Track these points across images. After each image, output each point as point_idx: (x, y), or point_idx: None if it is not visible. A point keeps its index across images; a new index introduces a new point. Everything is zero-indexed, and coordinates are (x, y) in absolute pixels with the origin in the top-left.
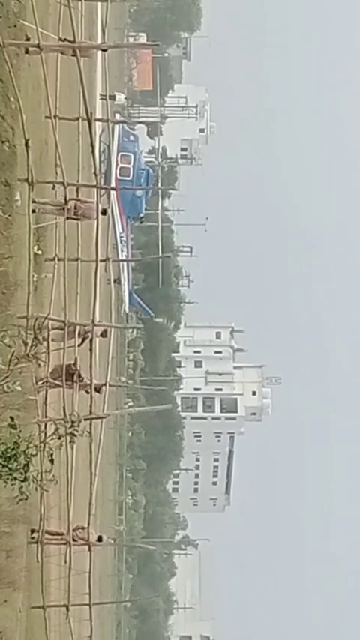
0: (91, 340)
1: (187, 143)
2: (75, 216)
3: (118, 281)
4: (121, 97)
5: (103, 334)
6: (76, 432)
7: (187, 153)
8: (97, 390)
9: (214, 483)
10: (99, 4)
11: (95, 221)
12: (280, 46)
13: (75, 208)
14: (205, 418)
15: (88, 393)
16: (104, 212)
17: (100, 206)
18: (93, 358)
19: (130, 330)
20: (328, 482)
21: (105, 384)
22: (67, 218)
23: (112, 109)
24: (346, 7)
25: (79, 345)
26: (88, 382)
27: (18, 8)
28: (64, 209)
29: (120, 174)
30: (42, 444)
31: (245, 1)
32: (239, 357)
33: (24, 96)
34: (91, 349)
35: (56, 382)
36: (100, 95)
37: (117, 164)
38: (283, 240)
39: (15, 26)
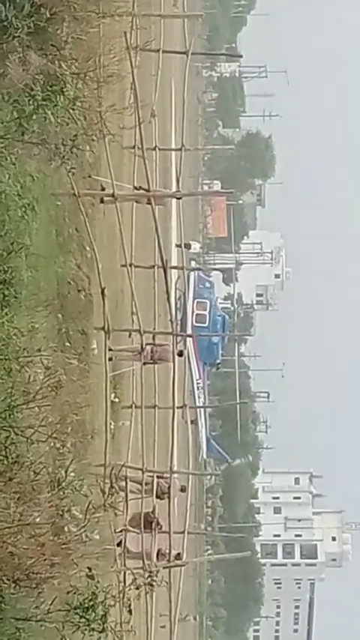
0: (169, 489)
1: (262, 289)
2: (152, 361)
3: (195, 422)
4: (196, 246)
5: (182, 489)
6: (154, 582)
7: (263, 298)
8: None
9: (295, 631)
10: (173, 152)
11: (172, 365)
12: (350, 187)
13: (151, 352)
14: (285, 565)
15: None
16: (181, 354)
17: (176, 349)
18: (171, 506)
19: (209, 477)
20: None
21: (184, 531)
22: (144, 363)
23: (188, 256)
24: None
25: (157, 498)
26: (167, 530)
27: (93, 159)
28: (140, 355)
29: (196, 321)
30: (120, 594)
31: (317, 147)
32: (318, 503)
33: (99, 245)
34: (169, 498)
35: (134, 531)
36: (176, 245)
37: (193, 311)
38: None
39: (90, 176)
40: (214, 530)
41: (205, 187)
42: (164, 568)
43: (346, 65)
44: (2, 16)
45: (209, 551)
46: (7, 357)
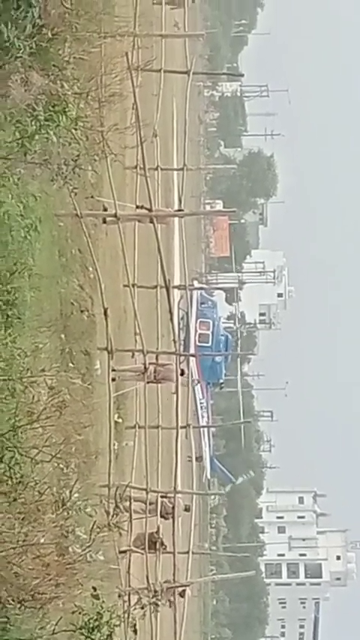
0: (173, 508)
1: (265, 308)
2: (155, 380)
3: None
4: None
5: (187, 509)
6: (159, 602)
7: (266, 317)
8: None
9: None
10: (175, 172)
11: (175, 384)
12: (352, 205)
13: (154, 372)
14: (289, 584)
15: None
16: (183, 373)
17: (179, 369)
18: (175, 526)
19: (213, 497)
20: None
21: (188, 551)
22: (147, 382)
23: (191, 275)
24: None
25: (161, 518)
26: (171, 550)
27: (95, 179)
28: (143, 374)
29: (199, 341)
30: (125, 614)
31: (319, 166)
32: (322, 522)
33: (102, 265)
34: (173, 518)
35: (139, 551)
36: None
37: (196, 330)
38: None
39: (92, 197)
40: (219, 550)
41: (208, 207)
42: (169, 588)
43: (348, 83)
44: (4, 37)
45: (213, 571)
46: (10, 378)
